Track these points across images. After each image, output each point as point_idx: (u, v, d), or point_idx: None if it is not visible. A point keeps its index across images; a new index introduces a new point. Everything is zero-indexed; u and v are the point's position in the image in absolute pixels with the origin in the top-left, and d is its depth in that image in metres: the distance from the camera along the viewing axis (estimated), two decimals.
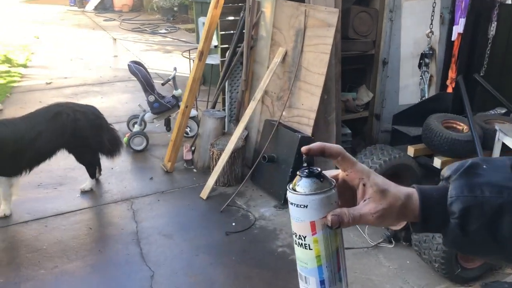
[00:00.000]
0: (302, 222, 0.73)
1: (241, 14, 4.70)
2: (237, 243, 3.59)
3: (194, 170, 4.67)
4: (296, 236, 0.75)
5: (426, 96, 4.46)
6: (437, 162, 3.71)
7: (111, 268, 3.26)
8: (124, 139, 5.11)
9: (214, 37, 5.27)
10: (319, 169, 0.74)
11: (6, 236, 3.58)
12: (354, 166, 0.76)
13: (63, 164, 4.70)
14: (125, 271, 3.24)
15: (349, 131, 4.57)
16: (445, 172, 0.78)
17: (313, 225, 0.72)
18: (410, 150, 3.87)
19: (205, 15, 4.62)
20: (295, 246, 0.76)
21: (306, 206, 0.72)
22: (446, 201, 0.74)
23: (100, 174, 4.43)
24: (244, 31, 4.56)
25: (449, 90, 4.33)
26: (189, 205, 4.09)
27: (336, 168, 0.81)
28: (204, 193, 4.15)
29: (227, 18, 4.91)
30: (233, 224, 3.80)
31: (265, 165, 4.15)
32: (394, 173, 3.79)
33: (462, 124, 3.82)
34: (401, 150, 3.83)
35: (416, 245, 3.22)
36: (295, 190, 0.73)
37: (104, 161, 4.77)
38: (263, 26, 4.53)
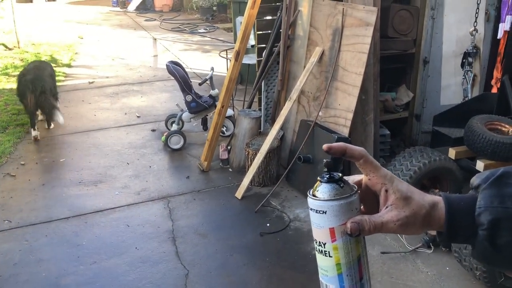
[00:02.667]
0: (322, 228, 0.72)
1: (278, 14, 4.68)
2: (271, 244, 3.58)
3: (230, 170, 4.69)
4: (316, 242, 0.74)
5: (469, 97, 4.29)
6: (479, 165, 3.57)
7: (147, 266, 3.31)
8: (162, 138, 5.19)
9: (251, 36, 5.27)
10: (340, 174, 0.73)
11: (48, 231, 3.71)
12: (377, 171, 0.74)
13: (103, 162, 4.84)
14: (160, 269, 3.29)
15: (388, 132, 4.46)
16: (475, 181, 0.74)
17: (332, 231, 0.71)
18: (452, 153, 3.74)
19: (243, 15, 4.62)
20: (316, 253, 0.75)
21: (325, 212, 0.71)
22: (474, 212, 0.70)
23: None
24: (281, 30, 4.53)
25: (494, 90, 4.15)
26: (224, 204, 4.11)
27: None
28: (239, 193, 4.16)
29: (264, 18, 4.89)
30: (268, 224, 3.79)
31: (301, 165, 4.11)
32: (434, 177, 3.68)
33: (507, 126, 3.65)
34: (442, 152, 3.70)
35: (456, 252, 3.11)
36: (314, 196, 0.72)
37: (142, 160, 4.88)
38: (300, 25, 4.48)
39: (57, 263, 3.34)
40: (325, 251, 0.72)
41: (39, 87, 5.19)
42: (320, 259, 0.74)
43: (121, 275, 3.23)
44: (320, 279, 0.75)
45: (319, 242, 0.73)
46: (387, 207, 0.72)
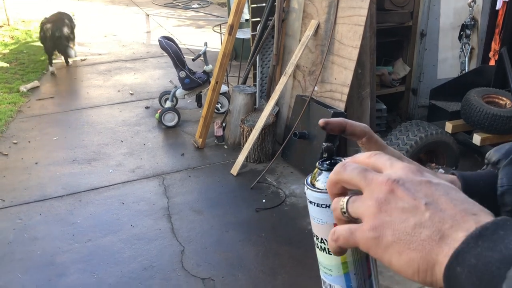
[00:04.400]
0: (325, 224, 0.61)
1: None
2: (267, 220, 3.57)
3: (225, 147, 4.65)
4: (317, 239, 0.63)
5: (467, 70, 4.24)
6: (476, 139, 3.55)
7: (143, 243, 3.30)
8: (156, 115, 5.14)
9: (245, 10, 5.17)
10: (343, 159, 0.61)
11: (42, 210, 3.68)
12: (383, 151, 0.63)
13: (97, 140, 4.79)
14: (156, 246, 3.27)
15: (384, 107, 4.42)
16: (493, 156, 0.66)
17: None
18: (448, 126, 3.71)
19: None
20: (317, 250, 0.64)
21: (329, 206, 0.59)
22: (494, 190, 0.63)
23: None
24: (275, 3, 4.43)
25: (492, 63, 4.10)
26: (220, 181, 4.09)
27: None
28: (235, 170, 4.13)
29: None
30: (263, 201, 3.77)
31: (296, 141, 4.08)
32: (431, 151, 3.66)
33: (504, 99, 3.62)
34: (439, 126, 3.68)
35: None
36: (314, 186, 0.61)
37: (136, 138, 4.83)
38: None
39: (52, 241, 3.33)
40: (328, 249, 0.61)
41: (56, 33, 6.47)
42: (323, 257, 0.64)
43: (116, 253, 3.21)
44: (323, 277, 0.66)
45: (321, 238, 0.63)
46: None
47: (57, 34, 6.48)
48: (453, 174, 0.66)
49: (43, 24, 6.62)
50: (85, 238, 3.35)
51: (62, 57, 6.99)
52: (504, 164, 0.64)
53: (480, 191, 0.64)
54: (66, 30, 6.65)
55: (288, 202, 3.75)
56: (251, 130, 4.17)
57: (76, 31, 7.09)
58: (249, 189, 3.92)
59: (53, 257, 3.17)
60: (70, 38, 6.77)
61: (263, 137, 4.21)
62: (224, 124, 4.78)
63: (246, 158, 4.17)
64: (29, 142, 4.79)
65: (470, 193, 0.63)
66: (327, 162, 0.62)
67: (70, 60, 7.04)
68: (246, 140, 4.19)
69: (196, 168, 4.30)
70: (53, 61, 6.82)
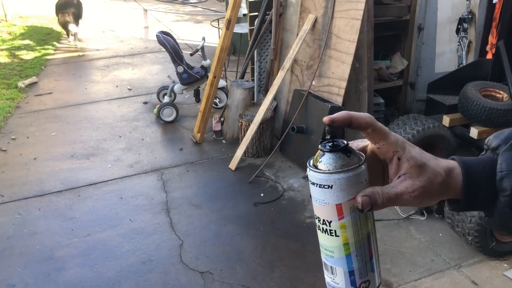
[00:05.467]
0: (327, 205, 0.62)
1: None
2: (265, 214, 3.59)
3: (223, 141, 4.66)
4: (319, 221, 0.64)
5: (464, 63, 4.25)
6: (473, 132, 3.56)
7: (141, 237, 3.32)
8: (154, 111, 5.14)
9: (243, 5, 5.16)
10: (346, 142, 0.63)
11: (41, 205, 3.69)
12: (387, 138, 0.64)
13: (95, 135, 4.79)
14: (155, 240, 3.29)
15: (382, 101, 4.42)
16: (492, 142, 0.68)
17: (339, 208, 0.62)
18: (446, 120, 3.72)
19: None
20: (318, 231, 0.65)
21: (331, 187, 0.61)
22: (494, 176, 0.64)
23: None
24: None
25: (489, 56, 4.10)
26: (218, 176, 4.10)
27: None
28: (233, 164, 4.14)
29: None
30: (262, 195, 3.79)
31: (294, 136, 4.09)
32: (428, 144, 3.67)
33: (502, 92, 3.63)
34: (436, 120, 3.69)
35: (449, 218, 3.12)
36: (317, 168, 0.62)
37: (135, 133, 4.84)
38: None
39: (51, 236, 3.34)
40: (330, 230, 0.63)
41: (63, 9, 7.61)
42: (324, 238, 0.65)
43: (115, 247, 3.23)
44: (324, 260, 0.67)
45: (323, 220, 0.63)
46: (399, 176, 0.64)
47: (64, 11, 7.65)
48: (453, 159, 0.67)
49: (56, 2, 7.85)
50: (84, 233, 3.37)
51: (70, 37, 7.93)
52: (504, 150, 0.65)
53: (479, 176, 0.65)
54: (73, 9, 7.73)
55: (286, 196, 3.76)
56: (249, 125, 4.18)
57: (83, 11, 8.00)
58: (248, 183, 3.93)
59: (52, 252, 3.19)
60: (79, 17, 7.84)
61: (261, 131, 4.22)
62: (222, 119, 4.79)
63: (244, 152, 4.18)
64: (27, 137, 4.79)
65: (470, 178, 0.64)
66: (329, 144, 0.63)
67: (75, 37, 7.88)
68: (244, 135, 4.20)
69: (195, 162, 4.31)
70: (49, 58, 6.81)
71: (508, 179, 0.63)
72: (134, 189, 3.90)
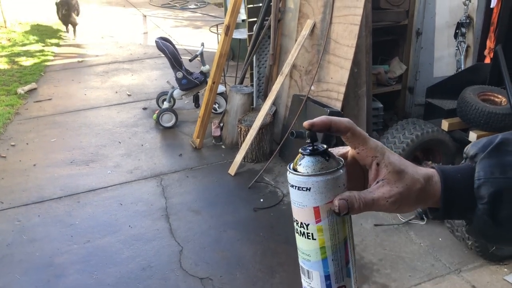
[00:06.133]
0: (305, 207, 0.63)
1: None
2: (265, 219, 3.58)
3: (223, 147, 4.66)
4: (297, 223, 0.65)
5: (462, 68, 4.26)
6: (472, 136, 3.56)
7: (141, 244, 3.31)
8: (154, 116, 5.14)
9: (242, 10, 5.18)
10: (325, 146, 0.65)
11: (40, 211, 3.69)
12: (367, 143, 0.65)
13: (95, 141, 4.80)
14: (154, 246, 3.28)
15: (381, 105, 4.43)
16: (471, 150, 0.68)
17: (317, 211, 0.63)
18: (444, 124, 3.73)
19: None
20: (296, 235, 0.66)
21: (309, 189, 0.62)
22: (472, 184, 0.64)
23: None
24: (271, 3, 4.44)
25: (487, 60, 4.11)
26: (217, 181, 4.10)
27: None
28: (232, 170, 4.14)
29: None
30: (261, 200, 3.79)
31: (294, 141, 4.09)
32: (427, 149, 3.68)
33: (500, 97, 3.64)
34: (435, 124, 3.69)
35: (449, 222, 3.12)
36: (296, 170, 0.64)
37: (134, 139, 4.84)
38: None
39: (51, 243, 3.33)
40: (307, 233, 0.64)
41: (64, 5, 8.35)
42: (302, 242, 0.66)
43: (115, 253, 3.22)
44: (301, 264, 0.67)
45: (301, 223, 0.65)
46: (377, 182, 0.65)
47: (64, 10, 8.42)
48: (432, 168, 0.68)
49: (57, 1, 8.50)
50: (83, 239, 3.36)
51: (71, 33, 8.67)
52: (481, 158, 0.65)
53: (458, 184, 0.66)
54: (72, 8, 8.50)
55: (285, 201, 3.76)
56: (248, 130, 4.19)
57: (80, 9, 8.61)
58: (247, 189, 3.93)
59: (52, 258, 3.18)
60: (75, 9, 8.62)
61: (261, 136, 4.22)
62: (221, 124, 4.79)
63: (244, 158, 4.19)
64: (27, 144, 4.79)
65: (448, 186, 0.65)
66: (310, 147, 0.64)
67: (74, 30, 8.67)
68: (244, 140, 4.20)
69: (194, 168, 4.31)
70: (48, 64, 6.82)
71: (486, 187, 0.63)
72: (133, 195, 3.90)
